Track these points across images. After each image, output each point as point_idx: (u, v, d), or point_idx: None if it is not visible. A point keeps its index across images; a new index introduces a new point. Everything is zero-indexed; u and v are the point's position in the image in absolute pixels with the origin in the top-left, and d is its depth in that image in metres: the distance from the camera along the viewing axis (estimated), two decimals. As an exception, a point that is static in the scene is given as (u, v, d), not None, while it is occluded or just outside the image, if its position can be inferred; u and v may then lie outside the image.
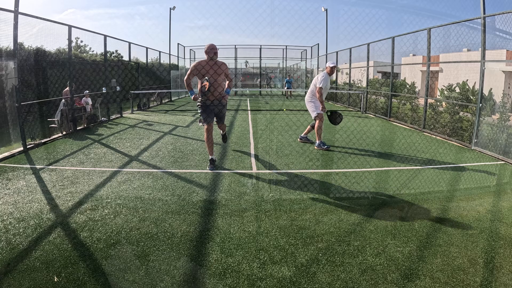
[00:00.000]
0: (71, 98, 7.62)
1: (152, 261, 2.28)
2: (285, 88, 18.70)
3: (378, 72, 16.00)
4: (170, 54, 18.27)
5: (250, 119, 9.81)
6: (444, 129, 7.19)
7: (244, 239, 2.59)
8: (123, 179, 4.00)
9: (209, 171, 4.38)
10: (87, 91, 8.87)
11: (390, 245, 2.53)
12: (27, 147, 5.56)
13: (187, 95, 21.12)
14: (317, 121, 5.79)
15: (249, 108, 12.91)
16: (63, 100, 7.38)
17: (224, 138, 5.24)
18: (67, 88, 7.74)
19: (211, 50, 4.28)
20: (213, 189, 3.70)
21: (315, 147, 5.84)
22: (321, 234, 2.69)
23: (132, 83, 12.55)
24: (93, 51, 13.29)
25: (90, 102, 8.82)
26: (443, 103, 7.68)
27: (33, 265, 2.19)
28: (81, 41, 13.64)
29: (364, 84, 12.20)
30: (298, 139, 6.37)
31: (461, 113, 6.98)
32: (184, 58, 20.86)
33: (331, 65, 5.79)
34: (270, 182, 3.99)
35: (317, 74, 6.63)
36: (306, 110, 6.06)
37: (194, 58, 23.32)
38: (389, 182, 4.09)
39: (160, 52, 16.16)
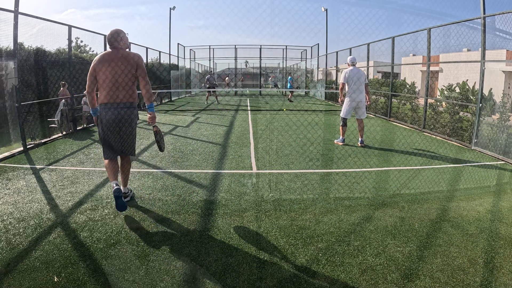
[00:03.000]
0: (71, 98, 7.62)
1: (152, 261, 2.28)
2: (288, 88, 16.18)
3: (378, 72, 15.99)
4: (170, 54, 18.27)
5: (250, 119, 9.81)
6: (444, 129, 7.19)
7: (244, 239, 2.59)
8: (123, 179, 4.00)
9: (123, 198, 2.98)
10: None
11: (390, 245, 2.53)
12: (27, 147, 5.56)
13: (187, 95, 21.03)
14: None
15: (249, 108, 12.91)
16: (63, 100, 7.38)
17: (119, 202, 2.73)
18: (62, 89, 7.73)
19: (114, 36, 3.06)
20: (213, 189, 3.70)
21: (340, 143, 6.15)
22: (321, 234, 2.69)
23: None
24: (93, 51, 13.27)
25: None
26: (443, 103, 7.68)
27: (33, 265, 2.19)
28: (81, 41, 13.64)
29: (364, 84, 12.18)
30: (360, 145, 6.04)
31: (461, 113, 6.98)
32: (184, 58, 20.85)
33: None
34: (270, 182, 4.00)
35: (348, 70, 6.34)
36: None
37: (194, 58, 23.34)
38: (389, 182, 4.09)
39: (160, 52, 16.17)
